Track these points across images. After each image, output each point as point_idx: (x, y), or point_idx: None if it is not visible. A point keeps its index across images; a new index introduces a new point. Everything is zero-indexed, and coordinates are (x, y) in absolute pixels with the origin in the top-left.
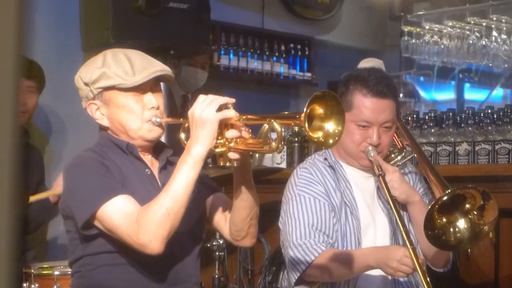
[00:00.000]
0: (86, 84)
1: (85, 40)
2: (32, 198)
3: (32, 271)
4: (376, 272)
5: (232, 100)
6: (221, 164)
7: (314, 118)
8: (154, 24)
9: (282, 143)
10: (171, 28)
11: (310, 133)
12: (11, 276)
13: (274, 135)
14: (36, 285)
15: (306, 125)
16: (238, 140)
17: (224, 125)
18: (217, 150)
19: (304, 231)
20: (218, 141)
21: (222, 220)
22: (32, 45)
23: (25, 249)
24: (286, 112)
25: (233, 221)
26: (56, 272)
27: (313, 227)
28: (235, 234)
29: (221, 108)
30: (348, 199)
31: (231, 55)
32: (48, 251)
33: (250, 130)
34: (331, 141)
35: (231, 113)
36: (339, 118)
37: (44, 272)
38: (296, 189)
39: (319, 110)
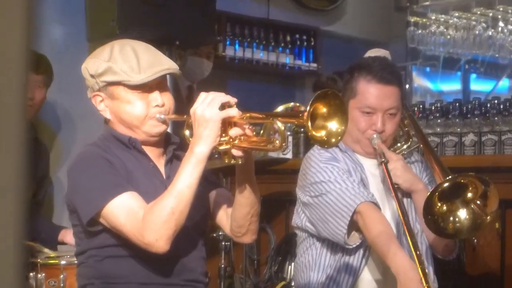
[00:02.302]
0: (92, 76)
1: (91, 31)
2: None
3: (39, 260)
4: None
5: (234, 100)
6: (226, 161)
7: (317, 117)
8: (159, 14)
9: (285, 142)
10: (176, 19)
11: (313, 132)
12: (19, 265)
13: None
14: (43, 274)
15: (309, 124)
16: (242, 137)
17: (227, 123)
18: (221, 147)
19: (346, 185)
20: (222, 139)
21: (224, 217)
22: (37, 37)
23: (32, 239)
24: (291, 104)
25: (234, 217)
26: (63, 262)
27: (354, 183)
28: (236, 230)
29: (223, 106)
30: (365, 183)
31: (237, 46)
32: None
33: (253, 128)
34: (333, 140)
35: (233, 112)
36: (342, 117)
37: (51, 261)
38: (322, 164)
39: (323, 109)
